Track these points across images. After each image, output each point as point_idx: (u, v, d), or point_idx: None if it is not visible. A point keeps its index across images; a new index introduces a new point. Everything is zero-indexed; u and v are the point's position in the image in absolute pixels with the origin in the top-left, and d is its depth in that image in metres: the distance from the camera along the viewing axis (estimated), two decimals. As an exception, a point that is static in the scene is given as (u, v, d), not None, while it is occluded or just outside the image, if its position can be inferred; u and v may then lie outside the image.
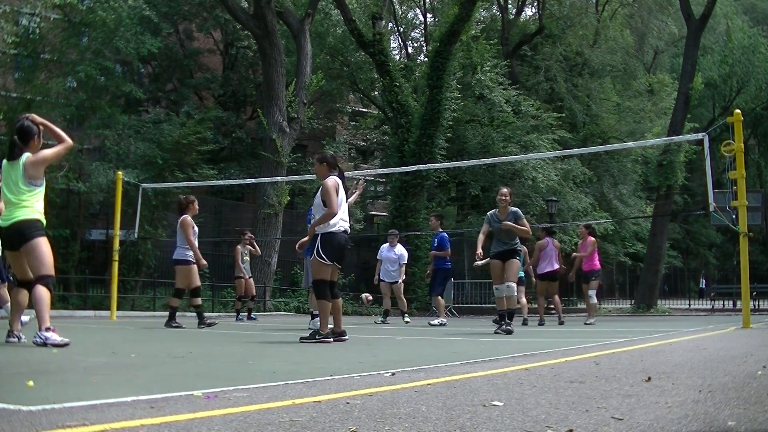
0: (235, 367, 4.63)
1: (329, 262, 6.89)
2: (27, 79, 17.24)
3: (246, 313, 14.37)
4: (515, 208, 9.23)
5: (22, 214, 5.99)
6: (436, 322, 12.22)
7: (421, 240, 20.77)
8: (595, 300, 13.62)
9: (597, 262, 13.54)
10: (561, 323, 13.11)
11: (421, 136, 21.64)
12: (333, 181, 6.96)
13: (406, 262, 13.83)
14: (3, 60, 17.31)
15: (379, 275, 13.69)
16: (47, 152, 6.17)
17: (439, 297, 12.80)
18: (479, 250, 9.41)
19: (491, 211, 9.39)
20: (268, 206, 19.86)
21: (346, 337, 7.02)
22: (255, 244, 14.87)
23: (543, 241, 13.79)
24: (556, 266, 13.55)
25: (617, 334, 9.18)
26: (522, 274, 12.99)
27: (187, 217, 10.24)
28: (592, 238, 13.61)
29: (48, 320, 5.91)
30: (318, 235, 6.96)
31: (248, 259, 14.41)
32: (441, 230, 13.27)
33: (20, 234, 5.98)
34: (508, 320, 8.90)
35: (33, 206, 6.06)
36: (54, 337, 5.80)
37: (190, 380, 3.80)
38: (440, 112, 21.80)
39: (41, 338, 5.80)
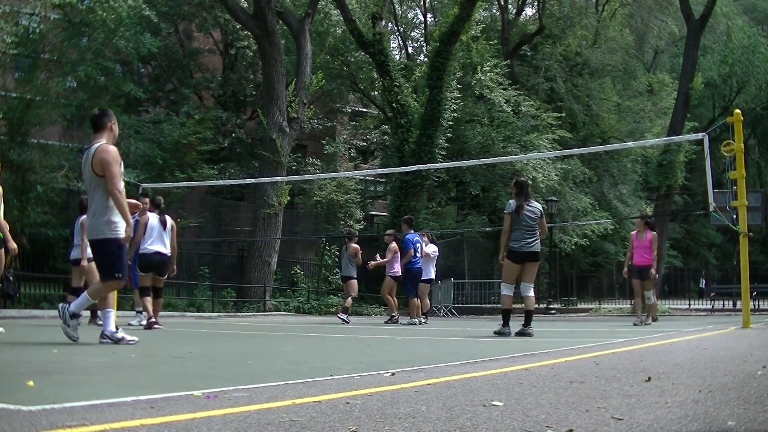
0: (235, 367, 4.63)
1: (143, 274, 9.76)
2: (27, 79, 17.19)
3: (346, 313, 13.93)
4: (537, 204, 8.47)
5: None
6: (406, 321, 13.03)
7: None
8: (653, 299, 12.80)
9: (651, 258, 12.35)
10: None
11: (421, 136, 21.63)
12: (143, 220, 9.67)
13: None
14: (3, 60, 17.26)
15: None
16: None
17: (414, 299, 13.26)
18: (503, 258, 8.25)
19: (512, 200, 8.41)
20: (268, 206, 19.84)
21: (158, 326, 9.32)
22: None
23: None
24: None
25: (617, 334, 9.17)
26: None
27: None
28: (654, 233, 12.54)
29: None
30: None
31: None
32: (412, 232, 13.62)
33: None
34: (525, 324, 8.31)
35: None
36: None
37: (190, 380, 3.80)
38: (440, 112, 21.78)
39: None
